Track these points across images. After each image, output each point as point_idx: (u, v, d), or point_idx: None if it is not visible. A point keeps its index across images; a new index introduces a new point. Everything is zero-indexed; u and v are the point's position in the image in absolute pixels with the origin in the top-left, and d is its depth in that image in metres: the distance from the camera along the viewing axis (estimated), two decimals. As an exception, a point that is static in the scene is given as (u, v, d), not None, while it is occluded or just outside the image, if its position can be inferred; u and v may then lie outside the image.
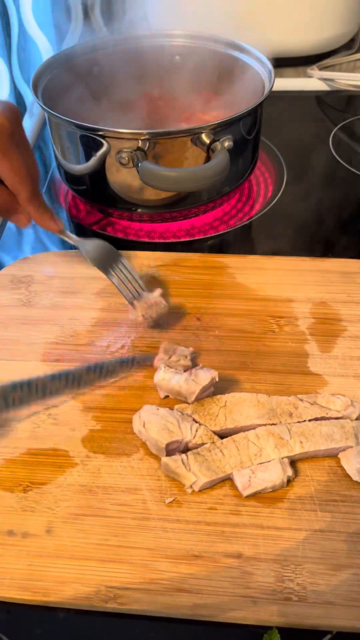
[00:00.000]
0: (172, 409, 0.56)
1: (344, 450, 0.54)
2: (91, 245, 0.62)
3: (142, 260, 0.73)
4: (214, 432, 0.55)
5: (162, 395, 0.59)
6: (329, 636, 0.45)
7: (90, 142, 0.72)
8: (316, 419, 0.56)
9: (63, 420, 0.57)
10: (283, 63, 1.08)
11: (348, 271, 0.71)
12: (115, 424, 0.57)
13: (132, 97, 0.87)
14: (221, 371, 0.61)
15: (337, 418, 0.56)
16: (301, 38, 1.08)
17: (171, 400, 0.59)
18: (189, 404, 0.57)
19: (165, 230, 0.80)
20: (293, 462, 0.54)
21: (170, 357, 0.60)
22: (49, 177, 0.91)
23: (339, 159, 0.93)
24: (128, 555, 0.48)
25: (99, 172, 0.75)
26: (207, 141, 0.70)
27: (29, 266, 0.73)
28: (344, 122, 1.01)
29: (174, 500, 0.51)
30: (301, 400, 0.57)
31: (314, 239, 0.80)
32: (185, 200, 0.77)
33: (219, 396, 0.57)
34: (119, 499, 0.52)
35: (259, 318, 0.66)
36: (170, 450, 0.53)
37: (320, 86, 1.09)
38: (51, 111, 0.73)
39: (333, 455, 0.54)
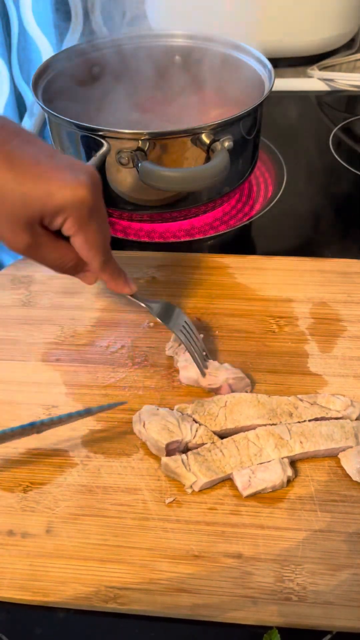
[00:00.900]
0: (172, 409, 0.56)
1: (344, 450, 0.54)
2: (159, 306, 0.61)
3: (142, 261, 0.73)
4: (214, 432, 0.55)
5: (184, 381, 0.60)
6: (329, 636, 0.45)
7: (90, 142, 0.72)
8: (316, 419, 0.56)
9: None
10: (283, 63, 1.08)
11: (348, 271, 0.71)
12: (115, 424, 0.57)
13: (132, 97, 0.87)
14: (221, 371, 0.61)
15: (337, 418, 0.56)
16: (301, 38, 1.08)
17: (171, 400, 0.59)
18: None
19: (165, 230, 0.80)
20: (293, 462, 0.54)
21: (179, 345, 0.61)
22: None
23: (339, 159, 0.93)
24: (128, 555, 0.48)
25: (99, 172, 0.74)
26: (207, 141, 0.70)
27: (29, 266, 0.73)
28: (344, 122, 1.01)
29: (174, 500, 0.51)
30: (301, 400, 0.57)
31: (314, 239, 0.80)
32: (185, 200, 0.77)
33: (218, 396, 0.57)
34: (119, 499, 0.52)
35: (259, 318, 0.66)
36: (170, 450, 0.53)
37: (320, 86, 1.09)
38: (51, 111, 0.73)
39: (333, 455, 0.54)
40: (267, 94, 0.75)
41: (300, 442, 0.54)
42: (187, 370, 0.60)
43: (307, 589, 0.46)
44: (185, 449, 0.55)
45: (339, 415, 0.56)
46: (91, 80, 0.84)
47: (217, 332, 0.65)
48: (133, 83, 0.86)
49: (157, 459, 0.54)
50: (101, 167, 0.74)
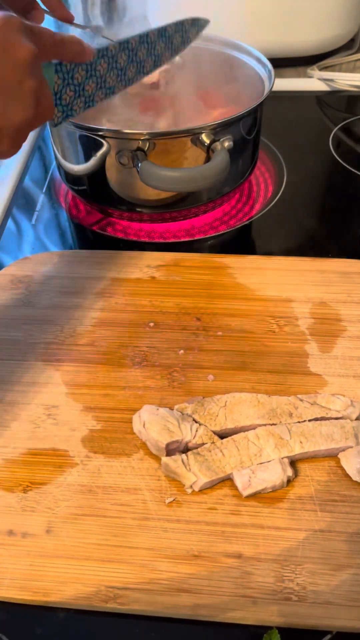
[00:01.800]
0: (172, 409, 0.56)
1: (344, 450, 0.54)
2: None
3: (142, 261, 0.73)
4: (214, 432, 0.55)
5: None
6: (329, 636, 0.45)
7: (90, 142, 0.72)
8: (316, 419, 0.56)
9: (63, 420, 0.57)
10: (283, 63, 1.08)
11: (348, 271, 0.71)
12: (115, 424, 0.57)
13: (132, 97, 0.87)
14: (221, 371, 0.61)
15: (337, 418, 0.56)
16: (301, 38, 1.08)
17: (171, 400, 0.59)
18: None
19: (165, 230, 0.80)
20: (293, 462, 0.54)
21: None
22: (49, 177, 0.91)
23: (339, 159, 0.93)
24: (128, 555, 0.48)
25: (99, 172, 0.75)
26: (207, 141, 0.71)
27: (29, 266, 0.73)
28: (344, 122, 1.01)
29: (174, 500, 0.51)
30: (301, 400, 0.57)
31: (314, 239, 0.80)
32: (185, 200, 0.77)
33: (218, 396, 0.57)
34: (119, 499, 0.52)
35: (259, 318, 0.66)
36: (170, 450, 0.53)
37: (320, 86, 1.09)
38: (51, 111, 0.72)
39: (333, 455, 0.54)
40: (267, 94, 0.75)
41: (300, 442, 0.54)
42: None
43: (307, 589, 0.46)
44: (185, 449, 0.55)
45: (339, 415, 0.56)
46: (91, 80, 0.84)
47: (217, 332, 0.65)
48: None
49: (157, 459, 0.54)
50: (101, 167, 0.74)
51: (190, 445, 0.54)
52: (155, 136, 0.70)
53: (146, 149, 0.70)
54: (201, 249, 0.78)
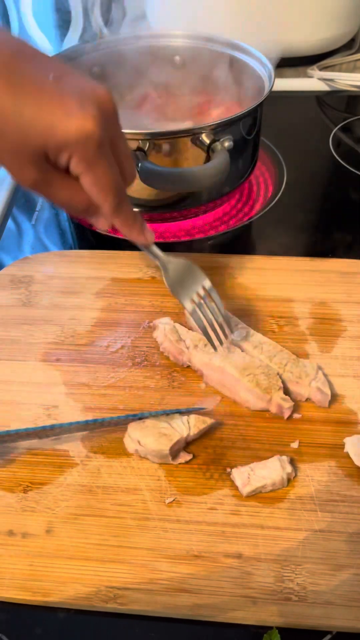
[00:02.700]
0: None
1: None
2: (174, 267, 0.54)
3: (142, 261, 0.73)
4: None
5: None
6: (329, 636, 0.45)
7: (90, 142, 0.72)
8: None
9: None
10: (283, 63, 1.08)
11: (348, 271, 0.71)
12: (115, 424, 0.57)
13: (132, 97, 0.87)
14: (221, 371, 0.61)
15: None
16: (301, 38, 1.08)
17: (171, 400, 0.59)
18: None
19: (165, 230, 0.80)
20: (293, 462, 0.54)
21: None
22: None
23: (339, 159, 0.93)
24: (128, 555, 0.48)
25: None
26: (207, 141, 0.70)
27: (29, 266, 0.73)
28: (344, 122, 1.01)
29: (174, 500, 0.51)
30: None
31: (314, 239, 0.80)
32: (185, 200, 0.77)
33: None
34: (119, 499, 0.52)
35: (259, 318, 0.66)
36: (174, 452, 0.53)
37: (320, 86, 1.09)
38: (51, 111, 0.72)
39: None
40: (267, 94, 0.75)
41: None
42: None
43: (307, 589, 0.46)
44: (186, 444, 0.55)
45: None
46: (91, 80, 0.84)
47: (217, 332, 0.65)
48: (133, 83, 0.86)
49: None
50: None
51: (189, 438, 0.54)
52: (155, 136, 0.70)
53: (146, 149, 0.70)
54: (201, 249, 0.78)
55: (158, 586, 0.47)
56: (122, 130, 0.48)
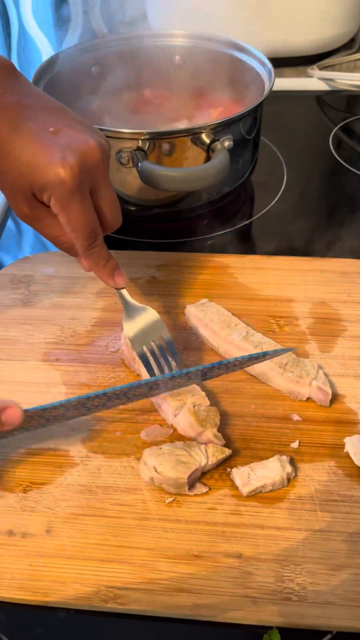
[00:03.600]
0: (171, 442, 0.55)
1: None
2: (136, 313, 0.57)
3: (142, 261, 0.73)
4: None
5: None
6: (329, 636, 0.45)
7: (90, 142, 0.72)
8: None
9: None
10: (283, 63, 1.08)
11: (348, 271, 0.71)
12: (115, 424, 0.57)
13: (132, 97, 0.87)
14: (221, 371, 0.61)
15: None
16: (301, 38, 1.08)
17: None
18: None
19: (165, 230, 0.80)
20: (293, 461, 0.54)
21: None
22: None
23: (339, 159, 0.93)
24: (128, 555, 0.48)
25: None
26: (207, 141, 0.71)
27: (29, 266, 0.73)
28: (344, 122, 1.01)
29: (174, 500, 0.51)
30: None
31: (314, 239, 0.80)
32: (185, 200, 0.77)
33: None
34: (119, 499, 0.52)
35: (259, 318, 0.66)
36: (190, 482, 0.51)
37: (320, 86, 1.09)
38: (51, 111, 0.72)
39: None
40: (267, 93, 0.75)
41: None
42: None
43: (307, 589, 0.46)
44: (202, 474, 0.53)
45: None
46: (91, 80, 0.84)
47: (217, 332, 0.65)
48: (133, 83, 0.86)
49: (157, 459, 0.54)
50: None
51: (206, 468, 0.53)
52: (155, 136, 0.70)
53: (146, 149, 0.70)
54: (201, 249, 0.78)
55: (158, 586, 0.47)
56: (108, 179, 0.54)
